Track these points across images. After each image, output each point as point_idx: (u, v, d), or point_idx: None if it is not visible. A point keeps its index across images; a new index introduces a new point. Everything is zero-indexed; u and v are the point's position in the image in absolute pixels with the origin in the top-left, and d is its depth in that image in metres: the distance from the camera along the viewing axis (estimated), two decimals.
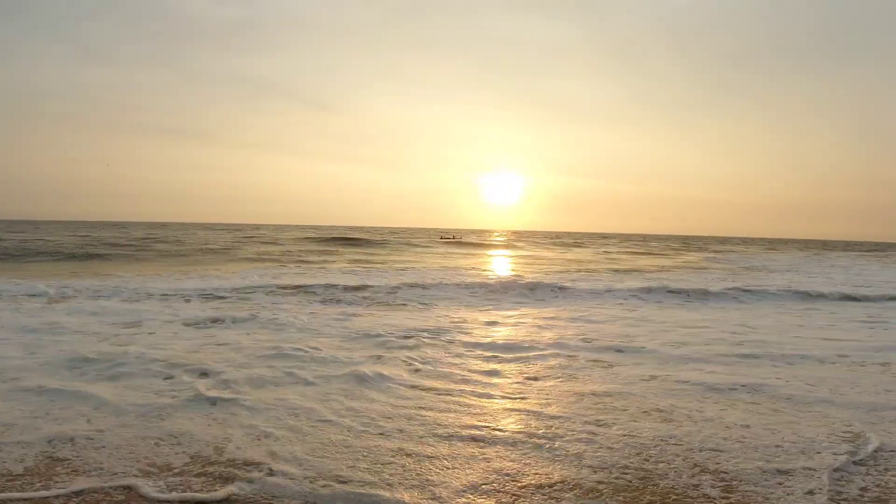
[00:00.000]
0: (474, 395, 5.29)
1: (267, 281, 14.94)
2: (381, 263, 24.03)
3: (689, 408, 4.99)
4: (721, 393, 5.44)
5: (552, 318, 10.24)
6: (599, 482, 3.50)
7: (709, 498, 3.30)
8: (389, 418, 4.58)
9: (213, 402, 4.88)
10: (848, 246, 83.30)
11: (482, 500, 3.24)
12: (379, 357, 6.72)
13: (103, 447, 3.88)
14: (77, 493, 3.23)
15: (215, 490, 3.29)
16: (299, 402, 4.92)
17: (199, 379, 5.60)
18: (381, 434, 4.23)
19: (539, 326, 9.30)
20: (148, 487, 3.31)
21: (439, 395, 5.28)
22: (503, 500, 3.26)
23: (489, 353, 7.08)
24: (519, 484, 3.45)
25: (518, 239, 66.96)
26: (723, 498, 3.30)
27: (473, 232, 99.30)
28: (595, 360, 6.77)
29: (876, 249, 67.09)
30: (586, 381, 5.82)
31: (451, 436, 4.22)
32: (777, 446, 4.07)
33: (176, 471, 3.54)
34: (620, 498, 3.29)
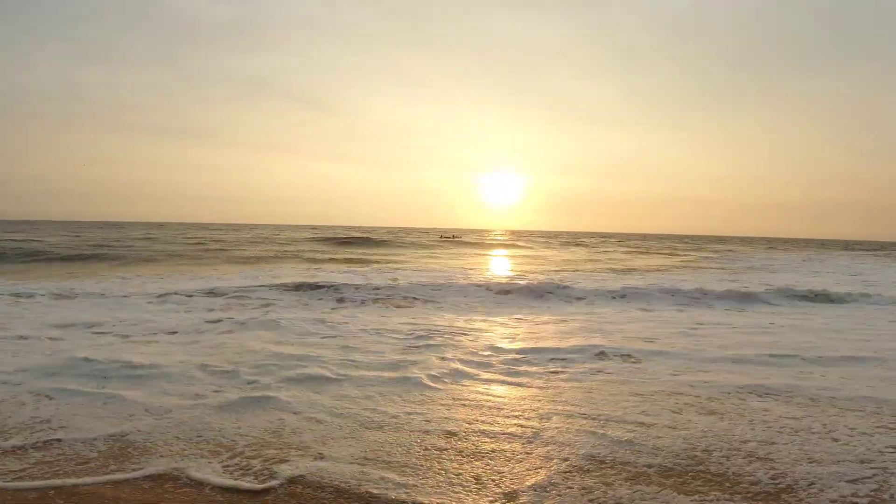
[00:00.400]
0: (511, 394, 5.40)
1: (272, 281, 14.91)
2: (384, 263, 24.02)
3: (732, 402, 5.12)
4: (761, 390, 5.54)
5: (569, 319, 10.30)
6: (649, 466, 3.67)
7: (758, 483, 3.41)
8: (429, 416, 4.69)
9: (256, 401, 4.95)
10: (847, 245, 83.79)
11: (537, 484, 3.36)
12: (404, 357, 6.76)
13: (167, 435, 4.04)
14: (149, 477, 3.41)
15: (267, 482, 3.43)
16: (336, 402, 5.00)
17: (232, 379, 5.65)
18: (424, 430, 4.35)
19: (558, 327, 9.36)
20: (200, 473, 3.47)
21: (475, 393, 5.38)
22: (556, 481, 3.39)
23: (517, 355, 7.07)
24: (572, 469, 3.59)
25: (519, 239, 67.02)
26: (771, 483, 3.43)
27: (473, 231, 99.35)
28: (625, 360, 6.82)
29: (874, 249, 67.56)
30: (622, 380, 5.91)
31: (496, 432, 4.35)
32: (832, 439, 4.20)
33: (234, 459, 3.69)
34: (671, 483, 3.44)
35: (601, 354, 7.05)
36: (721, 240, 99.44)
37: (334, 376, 5.74)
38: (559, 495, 3.26)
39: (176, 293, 12.40)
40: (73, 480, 3.37)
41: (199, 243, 35.15)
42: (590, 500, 3.22)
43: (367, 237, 47.68)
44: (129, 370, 5.80)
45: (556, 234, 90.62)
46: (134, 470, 3.53)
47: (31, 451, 3.81)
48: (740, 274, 22.68)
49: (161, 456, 3.76)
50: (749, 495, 3.29)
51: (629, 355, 7.03)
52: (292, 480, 3.42)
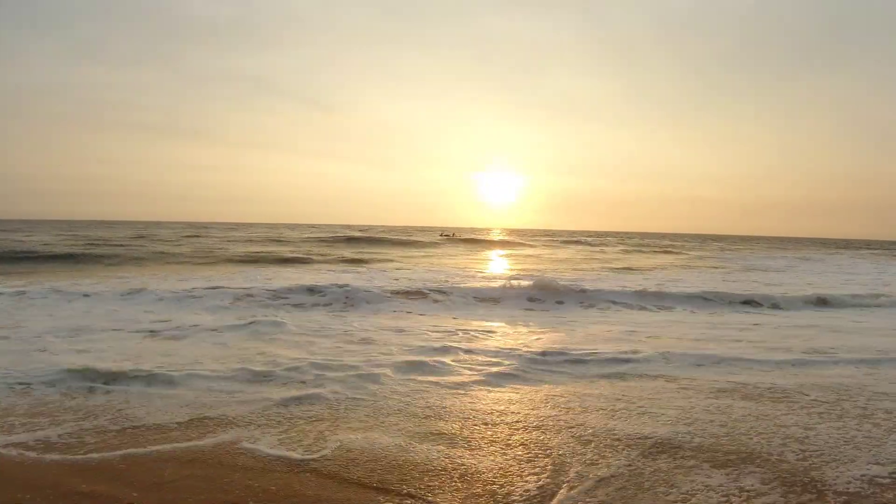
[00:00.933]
0: (547, 390, 5.69)
1: (280, 281, 14.96)
2: (386, 262, 24.29)
3: (770, 392, 5.53)
4: (810, 387, 5.82)
5: (586, 319, 10.54)
6: (684, 441, 4.14)
7: (787, 461, 3.84)
8: (470, 404, 5.11)
9: (305, 393, 5.30)
10: (851, 245, 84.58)
11: (585, 459, 3.76)
12: (432, 357, 6.85)
13: (234, 415, 4.51)
14: (215, 446, 3.92)
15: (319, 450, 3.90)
16: (378, 394, 5.36)
17: (274, 376, 5.87)
18: (468, 415, 4.75)
19: (577, 327, 9.56)
20: (255, 444, 3.92)
21: (513, 389, 5.70)
22: (598, 457, 3.77)
23: (544, 354, 7.13)
24: (614, 444, 4.00)
25: (519, 237, 67.28)
26: (801, 462, 3.82)
27: (473, 230, 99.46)
28: (655, 359, 7.02)
29: (874, 248, 68.29)
30: (659, 375, 6.23)
31: (540, 421, 4.78)
32: (872, 424, 4.61)
33: (290, 433, 4.09)
34: (704, 457, 3.89)
35: (636, 351, 7.31)
36: (722, 238, 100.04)
37: (369, 373, 5.97)
38: (607, 467, 3.67)
39: (182, 293, 12.38)
40: (155, 447, 3.88)
41: (197, 243, 35.29)
42: (630, 470, 3.64)
43: (368, 236, 47.81)
44: (172, 370, 5.93)
45: (556, 233, 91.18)
46: (205, 438, 4.10)
47: (112, 427, 4.25)
48: (745, 273, 23.02)
49: (235, 427, 4.34)
50: (777, 471, 3.62)
51: (660, 353, 7.27)
52: (336, 451, 3.90)
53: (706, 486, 3.42)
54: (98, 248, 28.37)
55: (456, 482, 3.45)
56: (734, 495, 3.31)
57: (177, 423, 4.44)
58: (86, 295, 11.85)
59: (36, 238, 35.76)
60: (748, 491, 3.37)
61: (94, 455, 3.78)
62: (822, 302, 13.70)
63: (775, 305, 13.26)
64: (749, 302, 13.41)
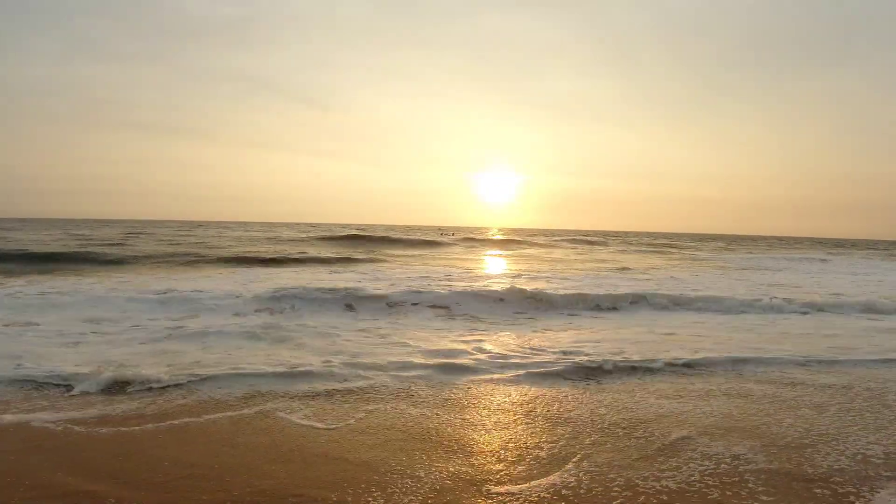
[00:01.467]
0: (577, 392, 6.23)
1: (288, 282, 14.99)
2: (388, 261, 24.69)
3: (786, 386, 6.05)
4: (832, 381, 6.29)
5: (604, 320, 10.80)
6: (699, 423, 4.77)
7: (786, 437, 4.44)
8: (499, 395, 5.70)
9: (350, 385, 5.88)
10: (847, 243, 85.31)
11: (605, 441, 4.31)
12: (461, 356, 7.13)
13: (281, 390, 5.24)
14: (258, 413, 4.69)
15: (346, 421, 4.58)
16: (414, 384, 5.92)
17: (315, 373, 6.25)
18: (502, 405, 5.35)
19: (595, 328, 9.79)
20: (290, 415, 4.73)
21: (542, 385, 6.18)
22: (617, 423, 4.34)
23: (573, 355, 7.33)
24: (635, 417, 4.61)
25: (520, 237, 67.38)
26: (799, 438, 4.42)
27: (472, 229, 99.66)
28: (684, 355, 7.39)
29: (876, 247, 69.04)
30: (688, 373, 6.68)
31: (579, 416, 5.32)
32: (884, 405, 5.18)
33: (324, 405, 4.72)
34: (715, 433, 4.49)
35: (652, 352, 7.58)
36: (723, 238, 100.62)
37: (396, 370, 6.34)
38: (620, 441, 4.22)
39: (185, 292, 12.34)
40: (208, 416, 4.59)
41: (196, 242, 35.56)
42: (648, 441, 4.27)
43: (368, 235, 48.00)
44: (210, 369, 6.25)
45: (555, 233, 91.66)
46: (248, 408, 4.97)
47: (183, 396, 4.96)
48: (749, 273, 23.41)
49: (275, 399, 5.16)
50: (774, 448, 4.21)
51: (682, 350, 7.66)
52: (359, 421, 4.63)
53: (703, 455, 4.01)
54: (96, 247, 28.61)
55: (475, 461, 3.97)
56: (725, 462, 3.88)
57: (235, 397, 5.18)
58: (88, 295, 11.73)
59: (32, 237, 35.95)
60: (738, 458, 3.95)
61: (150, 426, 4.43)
62: (836, 302, 13.80)
63: (789, 306, 13.33)
64: (762, 302, 13.40)
